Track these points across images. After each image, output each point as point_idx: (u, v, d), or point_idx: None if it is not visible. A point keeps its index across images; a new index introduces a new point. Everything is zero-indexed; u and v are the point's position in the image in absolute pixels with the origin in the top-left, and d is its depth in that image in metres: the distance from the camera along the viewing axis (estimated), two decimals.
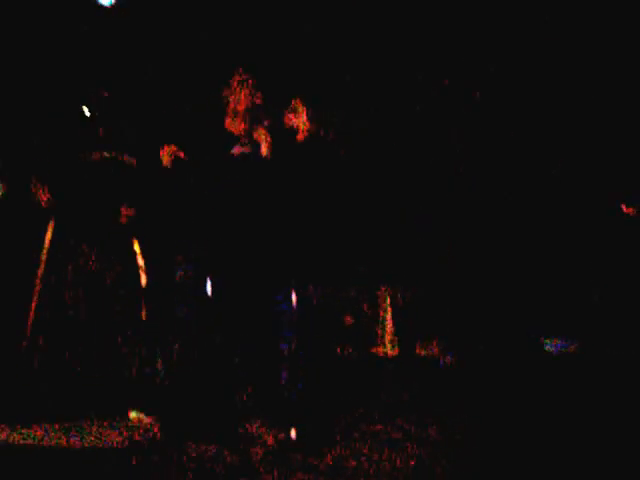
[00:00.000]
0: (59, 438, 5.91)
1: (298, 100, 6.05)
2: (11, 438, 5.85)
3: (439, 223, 7.24)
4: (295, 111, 6.04)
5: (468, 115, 7.43)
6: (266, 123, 6.05)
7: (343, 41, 7.39)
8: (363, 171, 6.99)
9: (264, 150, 5.97)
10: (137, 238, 6.68)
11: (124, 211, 6.65)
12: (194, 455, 5.49)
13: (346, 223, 6.29)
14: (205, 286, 6.04)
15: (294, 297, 5.94)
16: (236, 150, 6.12)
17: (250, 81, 6.11)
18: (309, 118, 6.01)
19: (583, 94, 7.40)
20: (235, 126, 6.14)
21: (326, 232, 6.06)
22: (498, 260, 7.21)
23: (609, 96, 7.36)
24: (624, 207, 7.36)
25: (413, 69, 7.50)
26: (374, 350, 7.58)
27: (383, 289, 7.52)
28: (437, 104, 7.47)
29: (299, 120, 6.02)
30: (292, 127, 6.04)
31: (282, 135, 6.02)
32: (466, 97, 7.45)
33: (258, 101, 6.12)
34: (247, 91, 6.11)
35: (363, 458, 5.40)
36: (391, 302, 7.58)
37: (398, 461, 5.33)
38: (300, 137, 6.00)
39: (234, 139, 6.13)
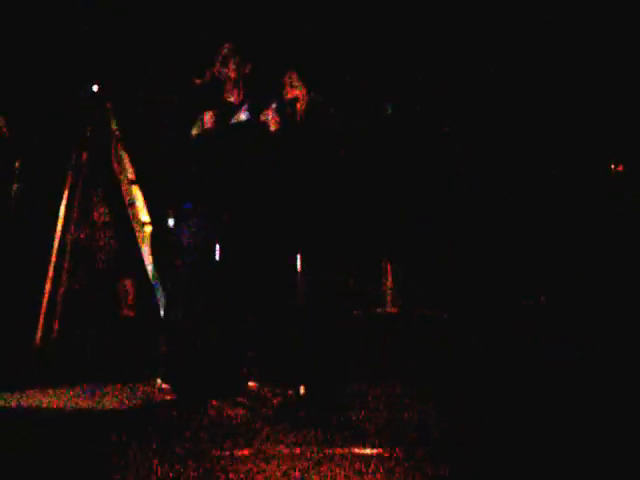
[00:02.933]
0: (85, 400, 6.20)
1: (294, 74, 6.23)
2: (42, 402, 6.14)
3: (438, 204, 7.34)
4: (292, 85, 6.22)
5: (468, 111, 7.47)
6: (274, 103, 6.26)
7: (344, 37, 7.45)
8: (366, 147, 7.09)
9: (272, 128, 6.17)
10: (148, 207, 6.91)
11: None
12: (207, 412, 5.76)
13: (349, 193, 6.42)
14: (214, 251, 6.23)
15: (300, 261, 6.12)
16: (236, 119, 6.31)
17: (240, 52, 6.29)
18: (306, 92, 6.19)
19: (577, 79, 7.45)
20: (233, 96, 6.34)
21: (331, 200, 6.20)
22: (488, 230, 7.33)
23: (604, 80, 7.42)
24: (613, 165, 7.55)
25: (413, 68, 7.54)
26: (377, 310, 7.74)
27: (384, 254, 7.67)
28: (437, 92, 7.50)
29: (297, 94, 6.20)
30: (291, 100, 6.22)
31: (284, 109, 6.21)
32: (466, 97, 7.48)
33: (249, 72, 6.31)
34: (238, 62, 6.30)
35: (370, 414, 5.62)
36: (392, 265, 7.74)
37: (406, 414, 5.56)
38: (298, 110, 6.18)
39: (233, 108, 6.32)
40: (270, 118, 6.14)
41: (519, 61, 7.53)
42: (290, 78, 6.24)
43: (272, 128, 6.15)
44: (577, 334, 7.06)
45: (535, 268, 7.52)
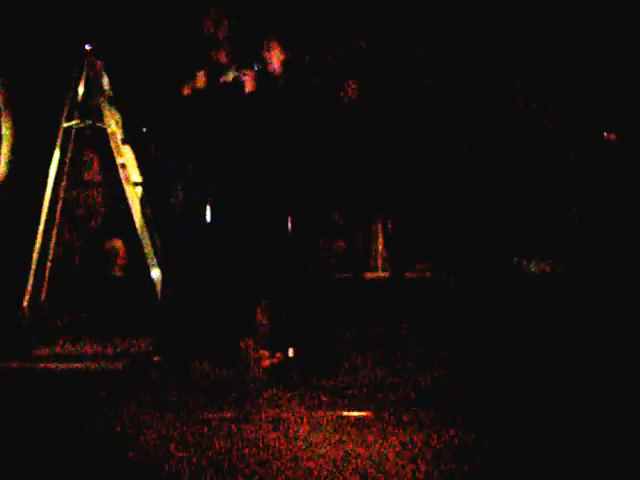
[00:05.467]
0: (73, 361, 6.22)
1: (272, 37, 6.22)
2: (33, 363, 6.19)
3: (428, 156, 7.32)
4: (270, 47, 6.22)
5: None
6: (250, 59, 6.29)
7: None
8: (354, 107, 7.08)
9: (248, 89, 6.20)
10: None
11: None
12: (196, 374, 5.82)
13: (339, 155, 6.42)
14: (205, 213, 6.24)
15: (290, 224, 6.13)
16: (224, 78, 6.32)
17: (228, 14, 6.30)
18: (284, 54, 6.20)
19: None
20: (220, 56, 6.34)
21: (321, 163, 6.21)
22: (481, 188, 7.32)
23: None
24: (605, 134, 7.55)
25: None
26: (368, 273, 7.75)
27: (375, 217, 7.67)
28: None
29: (274, 55, 6.21)
30: (270, 62, 6.24)
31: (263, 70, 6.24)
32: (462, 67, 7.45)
33: (237, 33, 6.32)
34: (226, 23, 6.30)
35: (358, 377, 5.66)
36: (382, 229, 7.74)
37: (395, 379, 5.61)
38: (276, 71, 6.20)
39: (221, 68, 6.32)
40: (247, 79, 6.15)
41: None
42: (271, 42, 6.24)
43: (247, 89, 6.17)
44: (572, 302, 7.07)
45: (535, 233, 7.51)
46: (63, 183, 6.99)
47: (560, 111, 7.57)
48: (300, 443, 4.20)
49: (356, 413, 4.76)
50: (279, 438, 4.26)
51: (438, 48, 7.56)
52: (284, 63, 6.21)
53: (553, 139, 7.55)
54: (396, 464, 3.91)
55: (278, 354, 5.98)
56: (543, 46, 7.47)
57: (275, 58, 6.21)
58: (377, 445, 4.17)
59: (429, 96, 7.55)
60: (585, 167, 7.50)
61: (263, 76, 6.21)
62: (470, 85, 7.57)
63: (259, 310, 6.16)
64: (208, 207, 6.26)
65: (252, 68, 6.26)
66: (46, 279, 6.92)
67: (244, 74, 6.21)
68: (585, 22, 7.42)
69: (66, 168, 7.01)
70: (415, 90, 7.42)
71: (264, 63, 6.26)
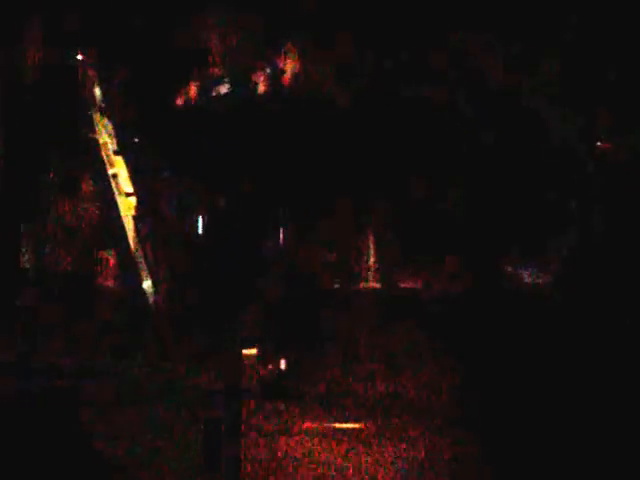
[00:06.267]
0: (62, 370, 6.21)
1: (290, 43, 6.24)
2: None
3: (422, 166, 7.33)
4: (288, 53, 6.24)
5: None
6: (263, 66, 6.30)
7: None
8: (352, 113, 7.07)
9: (262, 89, 6.20)
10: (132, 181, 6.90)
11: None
12: (185, 384, 5.82)
13: (332, 166, 6.44)
14: (198, 223, 6.25)
15: (282, 235, 6.15)
16: (221, 89, 6.33)
17: (229, 24, 6.32)
18: (300, 60, 6.21)
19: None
20: (216, 68, 6.36)
21: (313, 175, 6.23)
22: (474, 199, 7.32)
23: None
24: (599, 143, 7.56)
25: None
26: (359, 284, 7.74)
27: (366, 229, 7.66)
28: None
29: (291, 62, 6.22)
30: (285, 68, 6.25)
31: (277, 76, 6.25)
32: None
33: (237, 43, 6.34)
34: (223, 35, 6.32)
35: (349, 388, 5.69)
36: (374, 240, 7.73)
37: (384, 389, 5.65)
38: (292, 77, 6.20)
39: (218, 79, 6.33)
40: (261, 80, 6.18)
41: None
42: (287, 48, 6.27)
43: (260, 89, 6.19)
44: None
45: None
46: (55, 194, 6.99)
47: (561, 115, 7.57)
48: (293, 454, 4.20)
49: (347, 425, 4.76)
50: (272, 449, 4.26)
51: (442, 53, 7.56)
52: (292, 71, 6.24)
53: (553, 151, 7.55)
54: (386, 475, 3.91)
55: (270, 365, 5.98)
56: (548, 49, 7.48)
57: (289, 65, 6.23)
58: (368, 457, 4.17)
59: (428, 102, 7.54)
60: (585, 175, 7.50)
61: (272, 82, 6.24)
62: (472, 89, 7.57)
63: (252, 322, 6.17)
64: (201, 217, 6.27)
65: (267, 72, 6.28)
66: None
67: (259, 76, 6.23)
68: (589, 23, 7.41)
69: (58, 179, 7.01)
70: (414, 98, 7.42)
71: (274, 69, 6.29)
